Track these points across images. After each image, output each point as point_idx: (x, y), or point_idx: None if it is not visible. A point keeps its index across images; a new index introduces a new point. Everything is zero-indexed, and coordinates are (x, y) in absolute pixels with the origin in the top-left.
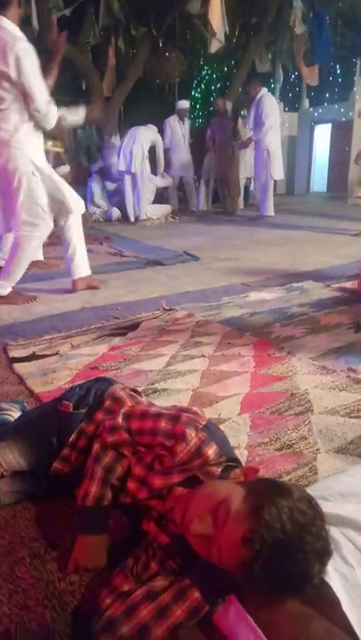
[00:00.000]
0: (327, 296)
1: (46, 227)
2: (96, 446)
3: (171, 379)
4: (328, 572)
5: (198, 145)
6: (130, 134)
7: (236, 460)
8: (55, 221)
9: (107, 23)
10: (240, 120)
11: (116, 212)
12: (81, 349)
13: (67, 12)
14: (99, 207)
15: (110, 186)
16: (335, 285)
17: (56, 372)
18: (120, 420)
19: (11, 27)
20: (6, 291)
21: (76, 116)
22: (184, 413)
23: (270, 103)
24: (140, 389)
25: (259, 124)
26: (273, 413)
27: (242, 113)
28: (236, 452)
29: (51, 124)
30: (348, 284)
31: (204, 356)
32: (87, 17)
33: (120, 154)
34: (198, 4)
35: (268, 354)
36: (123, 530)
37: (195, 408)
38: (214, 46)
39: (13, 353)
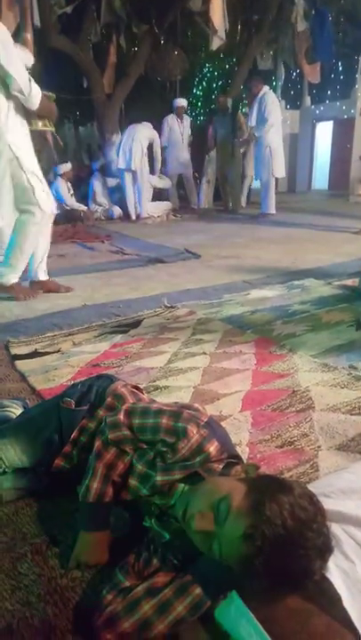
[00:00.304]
0: (328, 294)
1: (41, 213)
2: (98, 443)
3: (172, 376)
4: (329, 568)
5: (199, 143)
6: (128, 132)
7: (238, 457)
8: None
9: (108, 20)
10: (241, 116)
11: (117, 210)
12: (83, 347)
13: (68, 9)
14: (100, 205)
15: (112, 182)
16: (336, 283)
17: (58, 369)
18: (122, 416)
19: None
20: (10, 280)
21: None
22: (186, 410)
23: (272, 101)
24: (141, 387)
25: (261, 121)
26: (274, 410)
27: (243, 110)
28: (238, 449)
29: (35, 103)
30: (350, 282)
31: (205, 353)
32: (88, 14)
33: (119, 152)
34: (199, 2)
35: (270, 351)
36: (124, 526)
37: (196, 405)
38: (215, 44)
39: (15, 350)
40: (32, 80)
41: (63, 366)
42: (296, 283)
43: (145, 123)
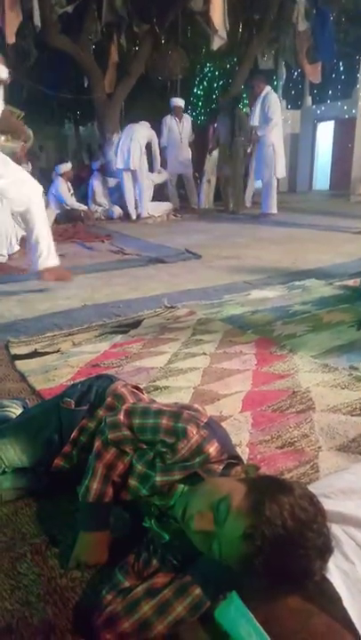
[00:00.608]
0: (329, 294)
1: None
2: (97, 443)
3: (172, 376)
4: (329, 568)
5: (200, 142)
6: (126, 132)
7: (238, 458)
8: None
9: (109, 20)
10: (244, 115)
11: (117, 210)
12: (82, 347)
13: (69, 8)
14: (100, 205)
15: (112, 182)
16: (337, 283)
17: (57, 369)
18: (122, 416)
19: None
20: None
21: None
22: (186, 411)
23: (275, 100)
24: (141, 387)
25: (265, 120)
26: (275, 411)
27: (244, 110)
28: (238, 450)
29: None
30: (351, 282)
31: (205, 353)
32: (89, 14)
33: (117, 152)
34: (200, 1)
35: (270, 352)
36: (124, 526)
37: (196, 405)
38: (216, 43)
39: (15, 350)
40: None
41: (63, 366)
42: (297, 283)
43: (142, 122)
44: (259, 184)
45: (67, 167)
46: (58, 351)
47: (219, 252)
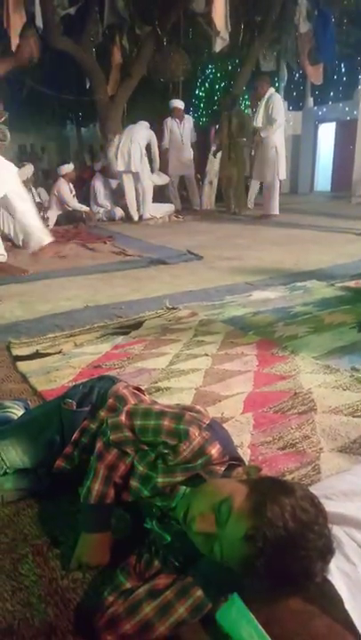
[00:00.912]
0: (331, 295)
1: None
2: (99, 444)
3: (174, 377)
4: (331, 570)
5: (202, 144)
6: (126, 134)
7: (240, 459)
8: None
9: (111, 22)
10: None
11: (119, 211)
12: (84, 348)
13: (71, 10)
14: (102, 207)
15: (114, 183)
16: (339, 284)
17: (59, 370)
18: (123, 418)
19: None
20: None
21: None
22: (188, 412)
23: (279, 101)
24: (143, 388)
25: (269, 122)
26: (276, 412)
27: (246, 112)
28: (240, 451)
29: None
30: (352, 283)
31: (207, 354)
32: (91, 15)
33: (117, 154)
34: (203, 3)
35: (272, 353)
36: (125, 528)
37: (198, 407)
38: (218, 45)
39: (17, 351)
40: None
41: (64, 367)
42: (298, 284)
43: (141, 122)
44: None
45: (68, 168)
46: (59, 352)
47: (220, 253)
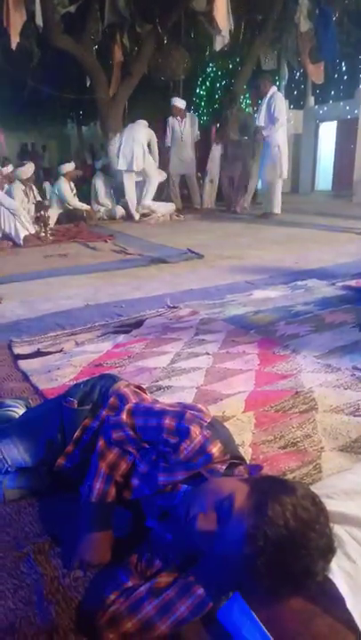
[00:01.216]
0: (332, 294)
1: None
2: (100, 443)
3: (175, 376)
4: (332, 569)
5: (203, 142)
6: (127, 133)
7: (241, 458)
8: None
9: (112, 20)
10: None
11: (120, 210)
12: (85, 346)
13: (72, 8)
14: (103, 206)
15: (115, 182)
16: (340, 284)
17: (60, 368)
18: (124, 416)
19: None
20: None
21: None
22: (189, 411)
23: (281, 100)
24: (144, 387)
25: (271, 121)
26: (277, 411)
27: (247, 110)
28: (241, 450)
29: None
30: (353, 282)
31: (208, 353)
32: (92, 14)
33: (119, 153)
34: (204, 2)
35: (273, 352)
36: (127, 526)
37: (200, 405)
38: (219, 44)
39: (18, 350)
40: None
41: (66, 366)
42: (299, 283)
43: (140, 121)
44: (259, 184)
45: (69, 167)
46: (60, 351)
47: (221, 252)
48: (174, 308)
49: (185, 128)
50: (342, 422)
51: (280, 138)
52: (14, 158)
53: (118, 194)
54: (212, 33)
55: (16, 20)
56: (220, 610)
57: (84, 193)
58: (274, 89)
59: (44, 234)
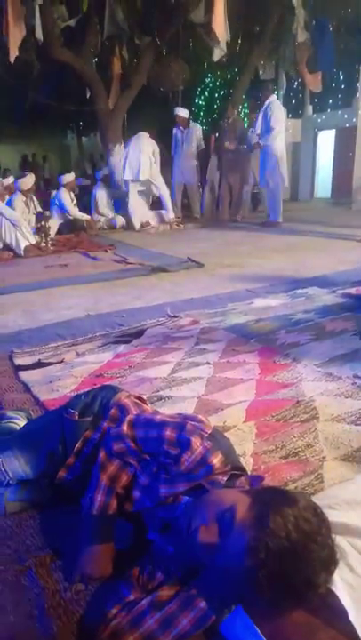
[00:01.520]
0: (332, 302)
1: None
2: (101, 454)
3: (176, 386)
4: (334, 581)
5: (202, 152)
6: (134, 143)
7: (242, 469)
8: None
9: (111, 33)
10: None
11: (120, 220)
12: (86, 357)
13: (71, 22)
14: (103, 215)
15: (115, 192)
16: (340, 291)
17: (61, 379)
18: (125, 428)
19: None
20: None
21: None
22: (189, 422)
23: (277, 108)
24: (145, 397)
25: (267, 130)
26: (278, 421)
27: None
28: (242, 460)
29: None
30: (353, 290)
31: (208, 363)
32: (91, 27)
33: (125, 163)
34: (202, 13)
35: (274, 361)
36: (128, 539)
37: (200, 416)
38: (217, 55)
39: (19, 361)
40: None
41: (67, 377)
42: (300, 291)
43: (143, 133)
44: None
45: (70, 177)
46: (61, 361)
47: (221, 261)
48: (175, 317)
49: (187, 138)
50: (344, 431)
51: (278, 146)
52: (15, 169)
53: (120, 204)
54: (211, 44)
55: (15, 35)
56: (222, 623)
57: (85, 203)
58: (272, 97)
59: (44, 244)
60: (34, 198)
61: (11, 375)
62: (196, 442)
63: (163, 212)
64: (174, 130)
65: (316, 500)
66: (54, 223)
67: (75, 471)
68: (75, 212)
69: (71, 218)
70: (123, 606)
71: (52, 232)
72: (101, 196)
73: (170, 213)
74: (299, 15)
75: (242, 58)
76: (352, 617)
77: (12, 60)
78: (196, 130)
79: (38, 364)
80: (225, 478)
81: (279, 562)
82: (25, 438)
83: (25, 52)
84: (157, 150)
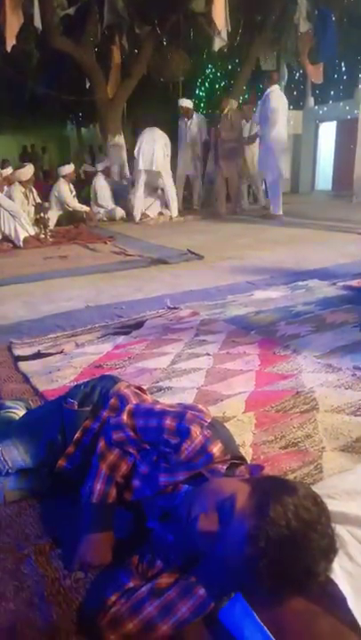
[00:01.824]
0: (333, 294)
1: None
2: (101, 444)
3: (175, 377)
4: (334, 569)
5: (205, 143)
6: (149, 134)
7: (242, 458)
8: None
9: (111, 22)
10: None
11: (119, 212)
12: (85, 348)
13: (70, 10)
14: (102, 207)
15: (114, 184)
16: (341, 284)
17: (61, 370)
18: (125, 417)
19: None
20: None
21: None
22: (189, 411)
23: (277, 98)
24: (144, 388)
25: (264, 120)
26: (278, 411)
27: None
28: (242, 450)
29: None
30: (354, 283)
31: (208, 354)
32: (91, 15)
33: (139, 153)
34: (202, 3)
35: (274, 352)
36: (127, 527)
37: (200, 406)
38: (218, 44)
39: (18, 351)
40: None
41: (66, 367)
42: (300, 283)
43: (154, 127)
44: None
45: (69, 169)
46: (61, 352)
47: (221, 253)
48: (175, 308)
49: (190, 128)
50: (343, 422)
51: (274, 136)
52: (14, 160)
53: (119, 196)
54: (211, 34)
55: (12, 23)
56: (221, 610)
57: (84, 195)
58: (273, 87)
59: (43, 235)
60: (33, 189)
61: (10, 366)
62: (195, 431)
63: (164, 206)
64: (179, 121)
65: (315, 489)
66: (53, 215)
67: (74, 460)
68: (74, 203)
69: (70, 209)
70: (122, 593)
71: (52, 223)
72: (101, 187)
73: (173, 212)
74: (301, 5)
75: (243, 48)
76: (351, 605)
77: (8, 48)
78: (200, 120)
79: (38, 355)
80: (225, 467)
81: (279, 550)
82: (24, 428)
83: (24, 42)
84: (169, 143)
